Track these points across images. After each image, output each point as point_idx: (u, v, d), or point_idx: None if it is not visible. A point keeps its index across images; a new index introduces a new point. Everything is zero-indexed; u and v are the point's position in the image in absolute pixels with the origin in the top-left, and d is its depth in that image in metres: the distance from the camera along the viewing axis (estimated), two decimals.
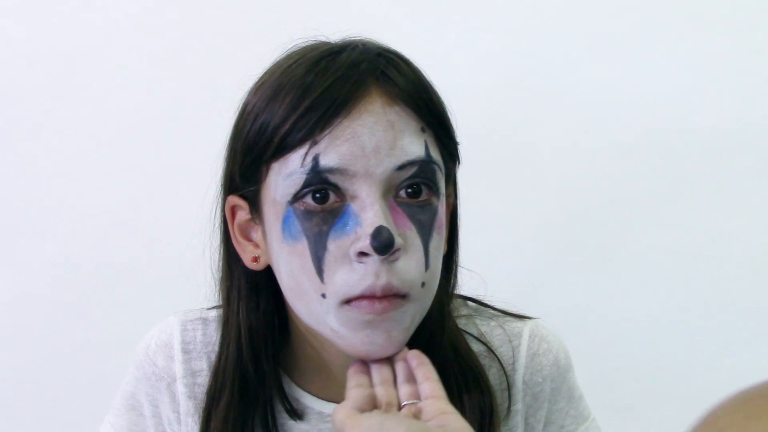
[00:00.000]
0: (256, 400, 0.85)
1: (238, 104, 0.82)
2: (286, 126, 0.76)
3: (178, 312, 0.92)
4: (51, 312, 1.33)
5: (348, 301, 0.76)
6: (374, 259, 0.74)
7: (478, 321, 0.92)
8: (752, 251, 1.34)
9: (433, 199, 0.78)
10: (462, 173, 0.87)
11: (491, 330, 0.92)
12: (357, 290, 0.75)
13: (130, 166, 1.32)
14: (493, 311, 0.94)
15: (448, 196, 0.85)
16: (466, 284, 0.92)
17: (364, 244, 0.73)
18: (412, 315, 0.77)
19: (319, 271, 0.76)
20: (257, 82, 0.81)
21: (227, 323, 0.85)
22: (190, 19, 1.31)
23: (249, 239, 0.82)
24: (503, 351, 0.91)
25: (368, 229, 0.73)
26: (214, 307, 0.92)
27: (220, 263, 0.87)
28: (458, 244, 0.89)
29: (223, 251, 0.86)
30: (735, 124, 1.31)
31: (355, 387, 0.75)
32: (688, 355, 1.34)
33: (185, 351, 0.89)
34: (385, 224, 0.73)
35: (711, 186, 1.32)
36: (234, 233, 0.83)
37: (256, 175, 0.80)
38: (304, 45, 0.82)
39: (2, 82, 1.31)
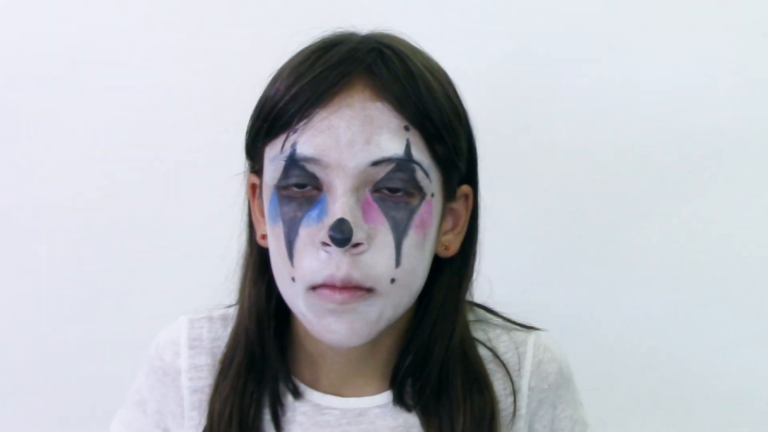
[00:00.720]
0: (262, 375, 0.87)
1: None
2: (274, 111, 0.78)
3: (188, 311, 0.94)
4: (51, 312, 1.34)
5: (314, 288, 0.77)
6: (336, 249, 0.75)
7: (484, 327, 0.93)
8: (755, 251, 1.33)
9: (414, 199, 0.78)
10: None
11: (497, 336, 0.92)
12: (319, 278, 0.77)
13: (133, 164, 1.32)
14: (499, 320, 0.94)
15: (466, 197, 0.86)
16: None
17: (325, 234, 0.75)
18: (380, 309, 0.78)
19: (291, 255, 0.78)
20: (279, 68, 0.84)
21: (241, 295, 0.89)
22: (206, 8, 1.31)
23: (264, 215, 0.84)
24: (509, 357, 0.91)
25: (330, 220, 0.75)
26: (227, 306, 0.95)
27: (245, 239, 0.90)
28: (475, 249, 0.89)
29: (247, 227, 0.89)
30: (737, 124, 1.28)
31: None
32: (689, 355, 1.32)
33: (191, 347, 0.91)
34: (347, 217, 0.75)
35: (713, 185, 1.30)
36: (253, 209, 0.87)
37: (258, 155, 0.83)
38: (322, 35, 0.83)
39: (3, 80, 1.31)
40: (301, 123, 0.76)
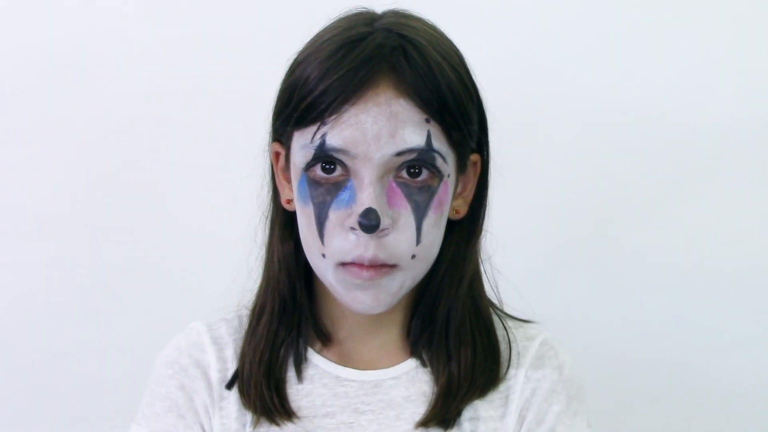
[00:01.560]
0: (292, 325, 0.94)
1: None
2: (304, 104, 0.85)
3: (198, 320, 0.99)
4: (52, 312, 1.33)
5: (343, 264, 0.86)
6: (364, 234, 0.83)
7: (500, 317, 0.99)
8: (754, 251, 1.33)
9: (433, 181, 0.86)
10: None
11: (510, 327, 0.98)
12: (349, 258, 0.85)
13: (134, 165, 1.32)
14: (511, 318, 1.00)
15: (474, 164, 0.93)
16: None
17: (354, 221, 0.83)
18: (401, 281, 0.87)
19: (321, 234, 0.86)
20: (304, 48, 0.89)
21: (270, 249, 0.95)
22: None
23: (289, 181, 0.91)
24: (514, 346, 0.96)
25: (359, 208, 0.83)
26: (239, 309, 1.00)
27: (269, 198, 0.96)
28: (484, 210, 0.95)
29: (271, 187, 0.96)
30: (737, 124, 1.29)
31: None
32: (688, 355, 1.33)
33: (215, 343, 0.96)
34: (375, 206, 0.82)
35: (713, 186, 1.31)
36: (277, 174, 0.94)
37: (286, 135, 0.90)
38: (347, 16, 0.90)
39: (4, 78, 1.32)
40: (331, 118, 0.83)
